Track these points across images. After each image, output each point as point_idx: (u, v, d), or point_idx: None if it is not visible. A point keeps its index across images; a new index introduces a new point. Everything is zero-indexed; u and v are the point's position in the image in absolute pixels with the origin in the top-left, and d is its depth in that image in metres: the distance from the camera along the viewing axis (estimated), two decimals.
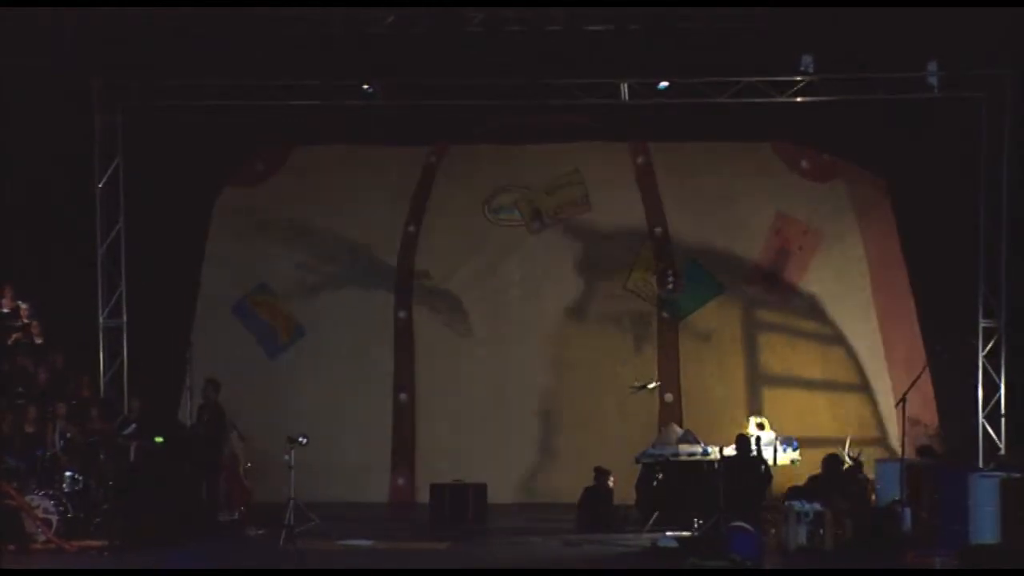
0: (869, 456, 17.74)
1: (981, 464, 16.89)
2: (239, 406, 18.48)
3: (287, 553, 15.43)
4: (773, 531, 16.05)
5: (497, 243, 20.39)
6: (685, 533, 16.43)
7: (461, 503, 17.75)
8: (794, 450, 17.77)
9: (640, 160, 20.22)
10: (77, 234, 18.32)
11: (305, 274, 20.24)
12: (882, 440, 19.21)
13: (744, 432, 17.44)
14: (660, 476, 17.37)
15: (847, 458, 17.10)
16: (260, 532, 16.80)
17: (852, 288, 19.87)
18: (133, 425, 17.02)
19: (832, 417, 19.41)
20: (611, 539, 16.72)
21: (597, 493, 17.55)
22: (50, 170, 18.00)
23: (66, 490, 15.90)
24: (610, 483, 17.62)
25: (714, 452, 17.18)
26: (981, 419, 17.75)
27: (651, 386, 18.43)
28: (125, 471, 16.37)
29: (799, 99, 17.70)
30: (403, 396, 20.23)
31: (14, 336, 17.36)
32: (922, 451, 17.52)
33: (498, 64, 17.48)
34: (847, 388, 19.64)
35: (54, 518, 15.67)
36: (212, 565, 14.78)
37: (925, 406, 18.38)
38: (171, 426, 17.70)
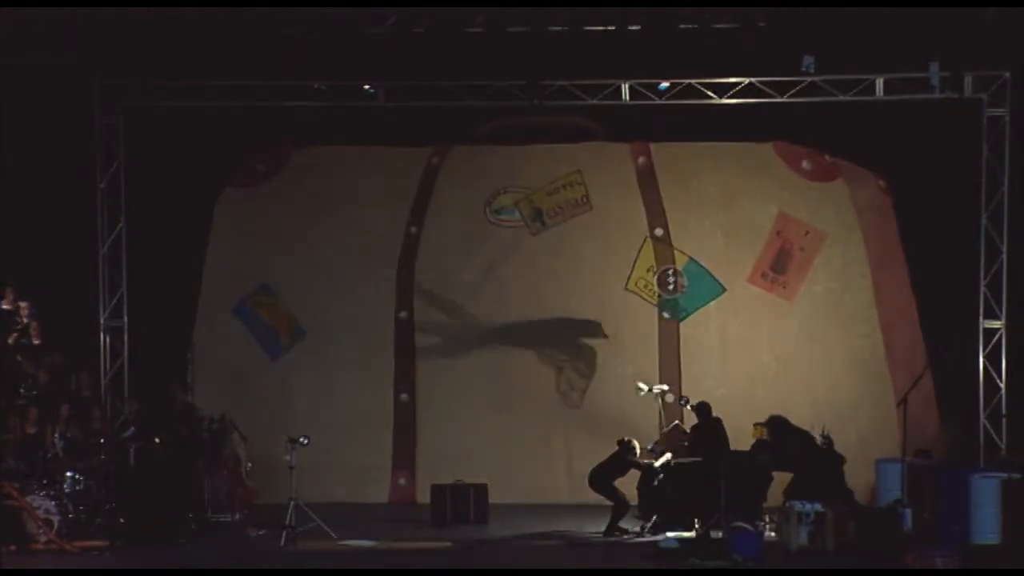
0: (870, 456, 17.75)
1: (982, 465, 16.90)
2: (240, 407, 18.47)
3: (287, 554, 15.43)
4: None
5: (498, 244, 20.36)
6: (686, 534, 16.43)
7: (462, 503, 17.75)
8: None
9: (641, 160, 20.19)
10: (78, 234, 18.33)
11: (306, 275, 20.21)
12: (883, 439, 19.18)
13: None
14: (661, 476, 17.37)
15: (818, 437, 17.15)
16: (260, 533, 16.80)
17: (853, 289, 19.81)
18: (132, 428, 17.03)
19: (833, 417, 19.35)
20: (612, 539, 16.74)
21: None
22: (51, 170, 18.01)
23: (67, 490, 15.91)
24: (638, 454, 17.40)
25: None
26: (983, 419, 17.76)
27: (655, 390, 18.49)
28: (125, 471, 16.39)
29: (800, 99, 17.72)
30: (404, 396, 20.20)
31: (14, 336, 17.39)
32: (919, 454, 17.51)
33: (499, 65, 17.49)
34: (848, 389, 19.61)
35: (55, 518, 15.69)
36: (212, 565, 14.80)
37: (927, 407, 18.35)
38: (171, 427, 17.68)
